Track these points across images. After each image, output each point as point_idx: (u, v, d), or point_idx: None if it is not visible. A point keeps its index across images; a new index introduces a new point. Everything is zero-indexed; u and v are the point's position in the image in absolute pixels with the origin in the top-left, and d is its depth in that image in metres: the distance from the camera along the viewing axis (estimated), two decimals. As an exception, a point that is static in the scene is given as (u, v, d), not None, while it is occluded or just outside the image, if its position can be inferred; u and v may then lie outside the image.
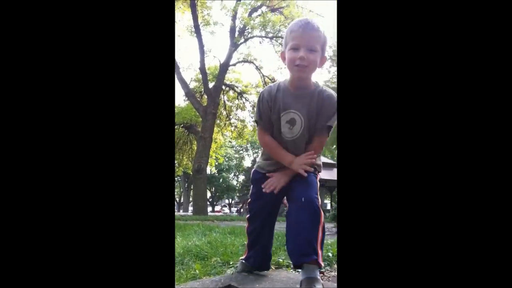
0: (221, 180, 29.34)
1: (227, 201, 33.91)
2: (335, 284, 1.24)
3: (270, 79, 13.08)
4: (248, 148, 30.75)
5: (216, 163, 19.08)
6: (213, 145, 14.03)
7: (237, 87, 14.35)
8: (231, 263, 1.51)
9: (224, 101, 14.25)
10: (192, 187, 17.69)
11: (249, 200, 1.38)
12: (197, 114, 12.59)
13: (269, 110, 1.28)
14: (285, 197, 1.28)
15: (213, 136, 12.44)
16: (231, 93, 14.54)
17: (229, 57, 12.32)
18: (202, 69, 11.88)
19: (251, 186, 1.38)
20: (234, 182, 31.67)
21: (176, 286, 1.15)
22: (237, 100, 14.58)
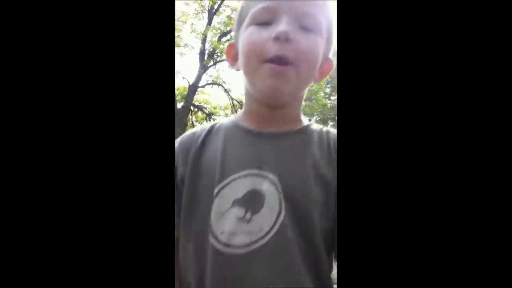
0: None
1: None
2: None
3: (238, 102, 13.25)
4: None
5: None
6: (180, 166, 13.76)
7: (205, 108, 14.36)
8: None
9: (192, 122, 14.16)
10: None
11: None
12: (164, 134, 12.36)
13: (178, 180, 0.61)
14: None
15: (180, 157, 12.24)
16: (199, 114, 14.51)
17: (198, 78, 12.40)
18: (171, 90, 11.81)
19: None
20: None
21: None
22: (205, 121, 14.56)
